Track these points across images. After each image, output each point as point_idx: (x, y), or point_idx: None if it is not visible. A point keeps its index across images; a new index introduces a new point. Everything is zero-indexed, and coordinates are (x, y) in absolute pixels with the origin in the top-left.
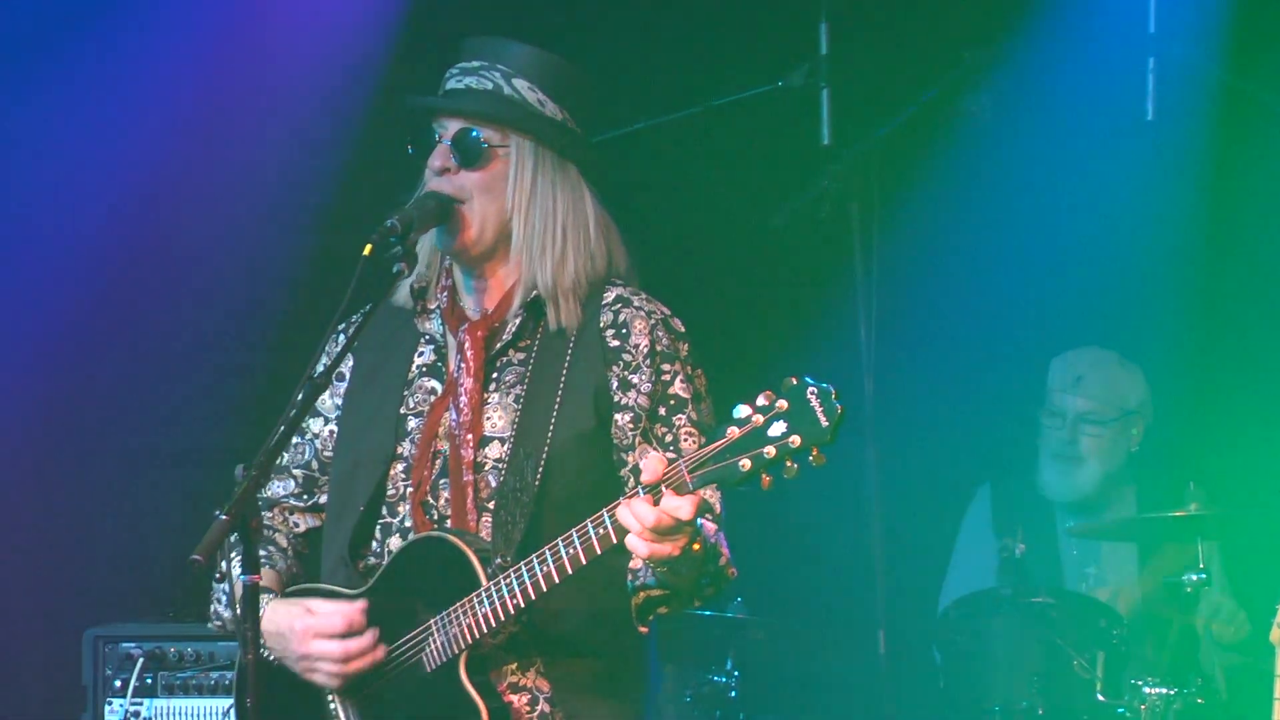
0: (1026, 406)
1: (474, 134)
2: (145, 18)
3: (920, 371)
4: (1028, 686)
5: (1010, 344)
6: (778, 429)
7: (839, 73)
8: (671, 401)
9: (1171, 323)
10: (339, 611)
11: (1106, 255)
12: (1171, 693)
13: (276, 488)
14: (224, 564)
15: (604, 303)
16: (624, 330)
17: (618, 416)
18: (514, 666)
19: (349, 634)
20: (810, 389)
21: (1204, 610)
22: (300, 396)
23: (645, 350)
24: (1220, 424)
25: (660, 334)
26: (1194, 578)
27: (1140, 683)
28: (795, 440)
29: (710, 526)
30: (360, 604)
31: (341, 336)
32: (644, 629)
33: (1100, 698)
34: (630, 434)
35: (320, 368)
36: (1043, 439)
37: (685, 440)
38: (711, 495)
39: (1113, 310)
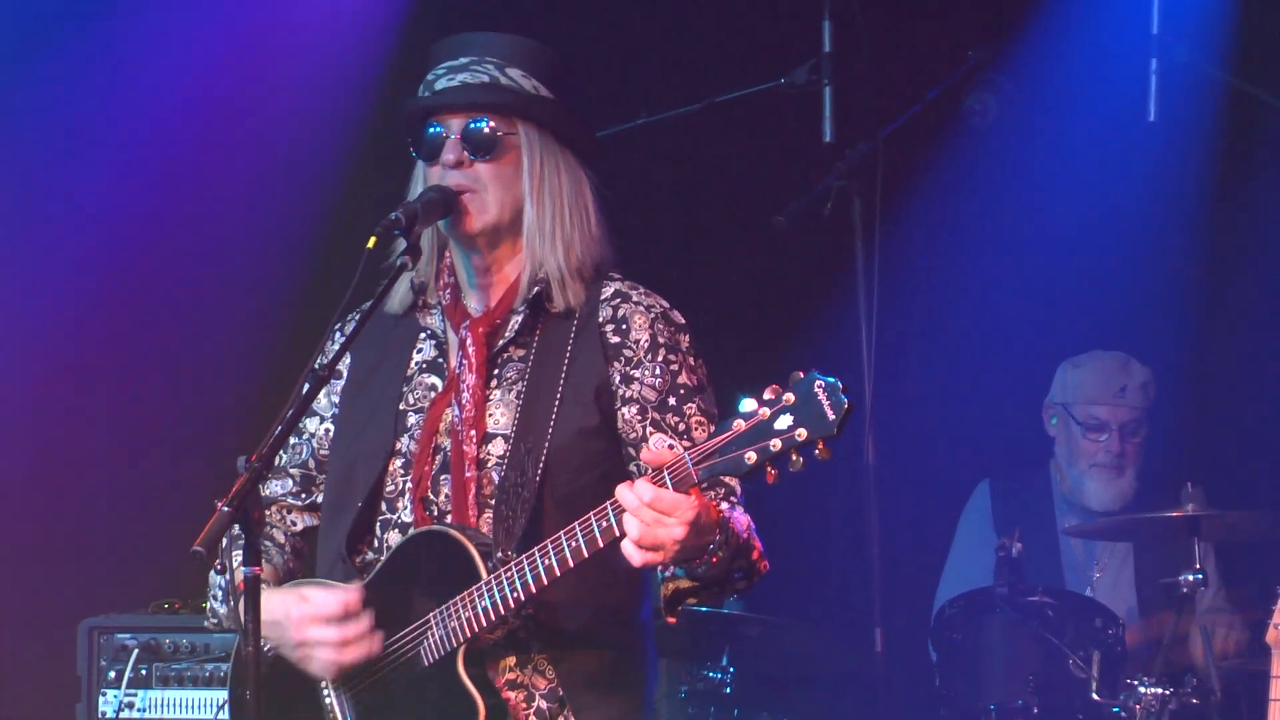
0: (1026, 405)
1: (483, 125)
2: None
3: (920, 369)
4: (1023, 685)
5: (1011, 343)
6: (784, 422)
7: (842, 70)
8: (681, 391)
9: (1172, 323)
10: (335, 597)
11: (1108, 255)
12: (1167, 692)
13: (274, 486)
14: (225, 556)
15: (603, 298)
16: (624, 325)
17: (623, 410)
18: (512, 662)
19: (345, 618)
20: (818, 383)
21: (1200, 611)
22: (304, 390)
23: (647, 344)
24: (1219, 425)
25: (661, 327)
26: (1190, 578)
27: (1136, 682)
28: (801, 434)
29: (743, 520)
30: (356, 588)
31: (340, 332)
32: (672, 619)
33: (1095, 697)
34: (639, 426)
35: (322, 363)
36: (1073, 448)
37: (696, 429)
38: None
39: (1113, 310)
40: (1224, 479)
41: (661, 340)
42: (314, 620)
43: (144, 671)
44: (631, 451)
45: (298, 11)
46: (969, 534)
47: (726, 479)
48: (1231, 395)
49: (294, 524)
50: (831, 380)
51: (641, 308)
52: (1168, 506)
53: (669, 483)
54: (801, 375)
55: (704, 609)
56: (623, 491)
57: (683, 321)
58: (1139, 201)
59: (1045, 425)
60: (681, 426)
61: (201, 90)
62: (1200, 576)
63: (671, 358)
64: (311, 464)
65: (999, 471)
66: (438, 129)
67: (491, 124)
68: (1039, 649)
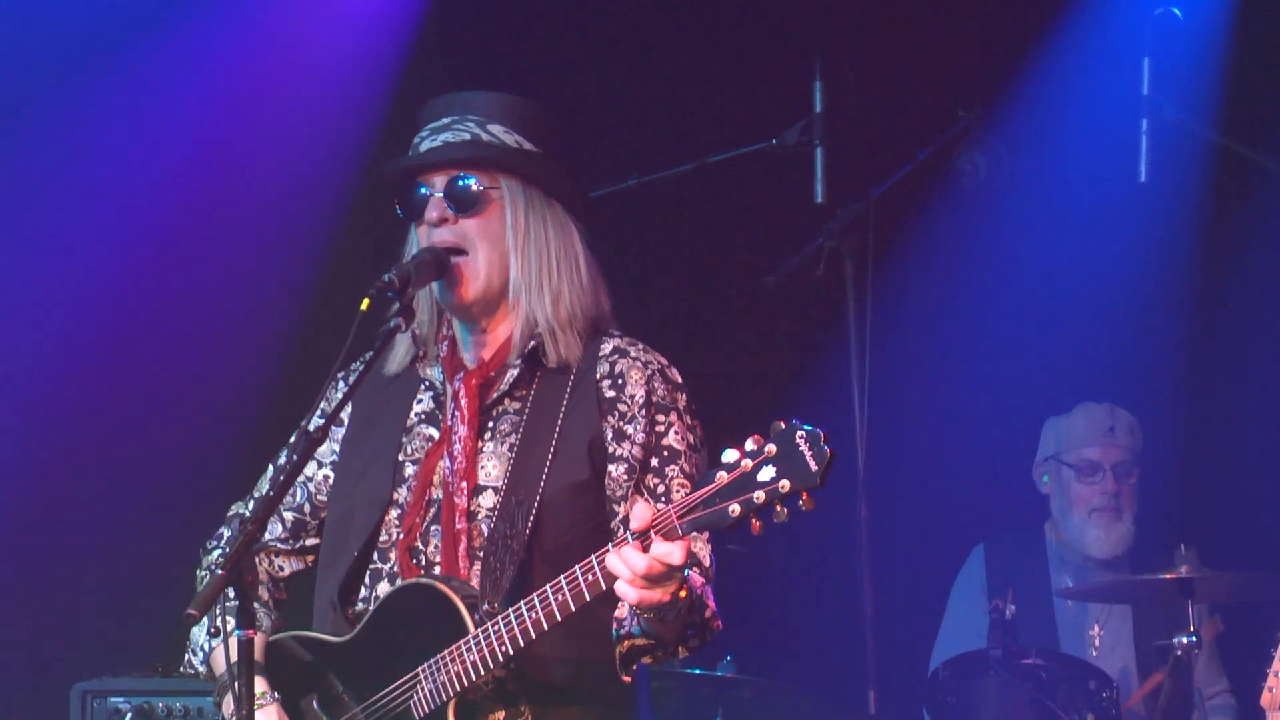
0: (1020, 465)
1: (466, 180)
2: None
3: (913, 429)
4: None
5: (1004, 403)
6: (767, 474)
7: (833, 131)
8: (665, 453)
9: (1164, 383)
10: None
11: (1100, 315)
12: None
13: (265, 530)
14: (220, 619)
15: (601, 354)
16: (620, 380)
17: (611, 468)
18: (501, 716)
19: None
20: (799, 433)
21: (1195, 672)
22: (300, 449)
23: (641, 400)
24: (1212, 485)
25: (657, 384)
26: (1184, 640)
27: None
28: (785, 485)
29: (697, 579)
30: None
31: (341, 384)
32: (627, 678)
33: None
34: (624, 485)
35: (317, 420)
36: (1069, 497)
37: (677, 492)
38: (701, 549)
39: (1105, 370)
40: (1218, 540)
41: (656, 398)
42: None
43: None
44: (615, 509)
45: (299, 65)
46: (963, 597)
47: (695, 549)
48: (1225, 455)
49: (280, 569)
50: (813, 429)
51: (639, 364)
52: (1162, 568)
53: (655, 541)
54: (783, 425)
55: (698, 671)
56: (614, 562)
57: (680, 380)
58: (1130, 261)
59: (1037, 485)
60: (661, 489)
61: (200, 146)
62: (1195, 639)
63: (660, 418)
64: (306, 508)
65: (993, 534)
66: (423, 189)
67: (474, 180)
68: (1033, 712)
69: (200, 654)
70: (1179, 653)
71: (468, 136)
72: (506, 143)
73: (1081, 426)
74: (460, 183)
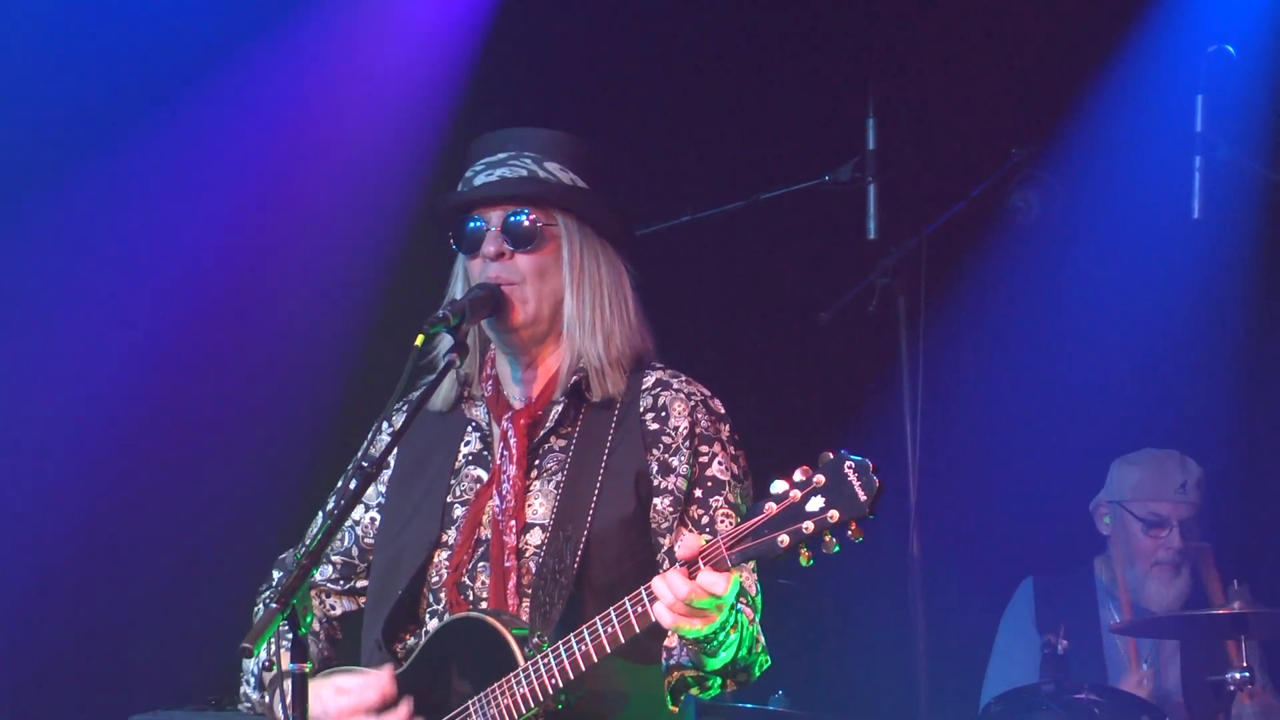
0: (1070, 501)
1: (523, 217)
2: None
3: (965, 466)
4: None
5: (1055, 439)
6: (815, 504)
7: (886, 168)
8: (709, 484)
9: (1216, 420)
10: (370, 685)
11: (1153, 352)
12: None
13: (316, 572)
14: (274, 652)
15: (644, 387)
16: (664, 413)
17: (657, 501)
18: None
19: (384, 706)
20: (848, 463)
21: (1248, 709)
22: (353, 485)
23: (685, 432)
24: (1265, 521)
25: (700, 416)
26: (1236, 676)
27: None
28: (834, 515)
29: (749, 613)
30: (388, 670)
31: (387, 426)
32: (674, 708)
33: None
34: (670, 517)
35: (371, 458)
36: (1133, 547)
37: (721, 522)
38: (747, 578)
39: (1158, 407)
40: (1270, 576)
41: (699, 430)
42: (354, 712)
43: None
44: (660, 541)
45: (348, 106)
46: (1012, 632)
47: (742, 579)
48: (1277, 492)
49: (332, 608)
50: (862, 460)
51: (682, 395)
52: (1215, 604)
53: (704, 569)
54: (831, 456)
55: (749, 705)
56: (659, 585)
57: (723, 411)
58: (1183, 298)
59: (1097, 524)
60: (705, 520)
61: (253, 182)
62: (1246, 674)
63: (704, 449)
64: (355, 552)
65: (1042, 568)
66: (478, 223)
67: (531, 216)
68: None
69: (253, 682)
70: (1231, 688)
71: (525, 173)
72: (562, 180)
73: (1153, 478)
74: (517, 219)
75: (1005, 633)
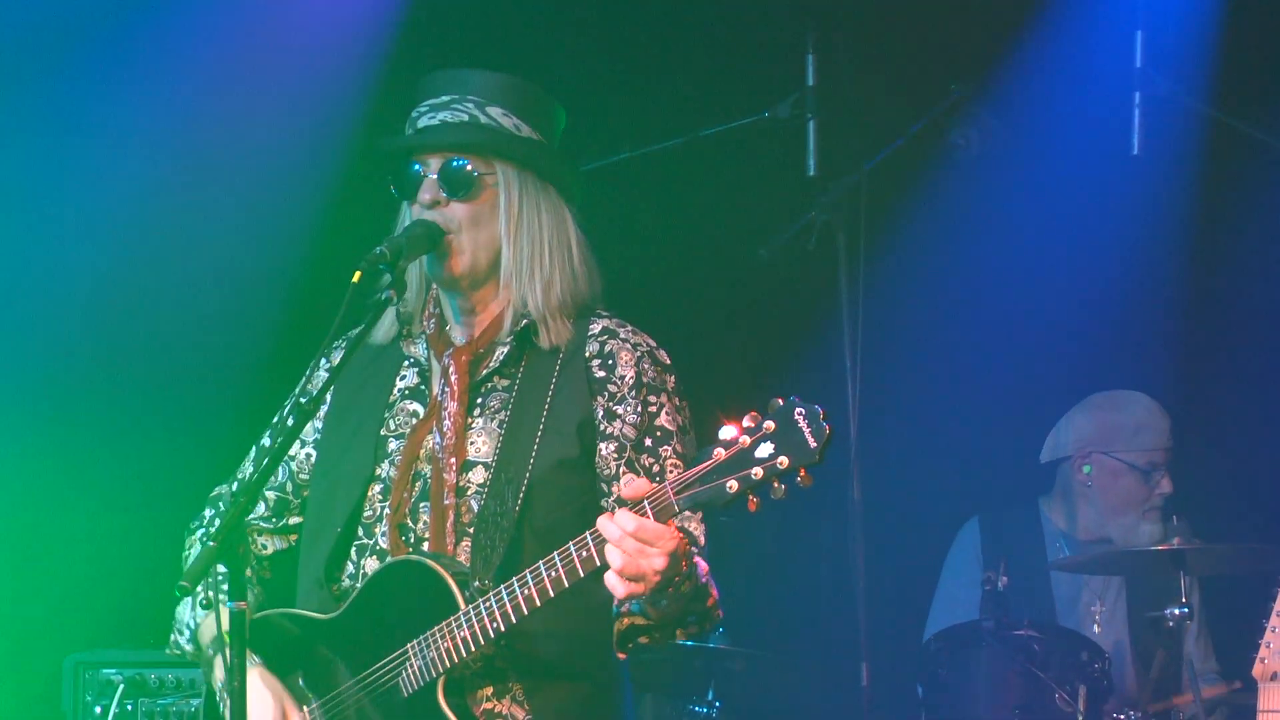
0: (1012, 439)
1: (461, 165)
2: (143, 35)
3: (906, 403)
4: (1010, 719)
5: (997, 377)
6: (765, 450)
7: (826, 104)
8: (658, 433)
9: (1155, 355)
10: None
11: (1092, 288)
12: None
13: None
14: (212, 590)
15: (590, 333)
16: (610, 361)
17: (602, 446)
18: (490, 692)
19: None
20: (798, 410)
21: (1187, 644)
22: (290, 423)
23: (631, 381)
24: (1204, 456)
25: (646, 365)
26: (1176, 612)
27: (1122, 716)
28: (783, 461)
29: (703, 566)
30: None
31: (325, 363)
32: (622, 655)
33: None
34: (614, 464)
35: (308, 394)
36: (1125, 496)
37: (671, 472)
38: (696, 527)
39: (1097, 342)
40: (1209, 512)
41: (646, 379)
42: None
43: (129, 707)
44: (605, 488)
45: (287, 35)
46: (957, 570)
47: (690, 528)
48: (1216, 426)
49: (264, 548)
50: (812, 406)
51: (628, 345)
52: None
53: (650, 513)
54: (781, 402)
55: (689, 644)
56: (604, 523)
57: (669, 362)
58: (1123, 234)
59: (1073, 474)
60: (655, 468)
61: (189, 110)
62: (1186, 610)
63: (652, 398)
64: (289, 487)
65: (987, 507)
66: (417, 167)
67: (469, 164)
68: (1025, 683)
69: (186, 632)
70: (1170, 624)
71: (466, 118)
72: (505, 126)
73: (1149, 426)
74: (456, 166)
75: (949, 572)
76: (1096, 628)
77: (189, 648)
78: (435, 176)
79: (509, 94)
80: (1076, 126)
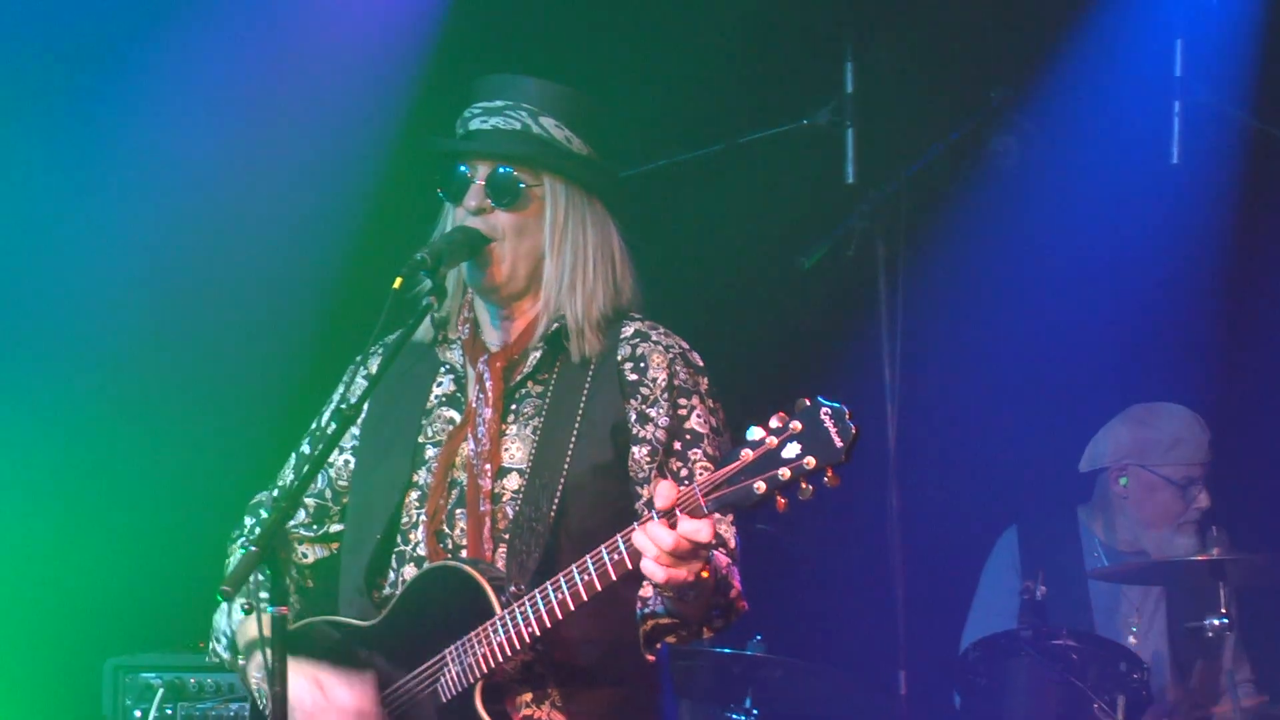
0: (1052, 448)
1: (509, 174)
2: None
3: (945, 411)
4: None
5: (1036, 384)
6: (792, 450)
7: (864, 112)
8: (687, 436)
9: (1195, 365)
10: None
11: (1131, 297)
12: None
13: None
14: (253, 596)
15: (623, 336)
16: (642, 364)
17: (635, 450)
18: (529, 698)
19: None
20: (824, 410)
21: (1226, 654)
22: (331, 428)
23: (663, 384)
24: (1244, 468)
25: (679, 368)
26: (1216, 622)
27: None
28: (810, 462)
29: (723, 559)
30: (372, 684)
31: (363, 369)
32: (650, 657)
33: None
34: (647, 467)
35: (348, 401)
36: (1160, 509)
37: (700, 474)
38: (727, 530)
39: (1136, 352)
40: (1249, 523)
41: (678, 381)
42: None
43: (169, 711)
44: (638, 491)
45: (328, 38)
46: (995, 579)
47: (721, 530)
48: (1257, 438)
49: (304, 556)
50: (838, 406)
51: (660, 347)
52: (1193, 550)
53: (681, 520)
54: (807, 402)
55: (727, 651)
56: (640, 539)
57: (701, 364)
58: (1162, 243)
59: (1110, 485)
60: (684, 472)
61: (230, 115)
62: (1226, 621)
63: (683, 401)
64: (328, 494)
65: (1025, 515)
66: (464, 170)
67: (517, 174)
68: (1063, 693)
69: (224, 639)
70: (1210, 634)
71: (518, 126)
72: (556, 138)
73: (1187, 440)
74: (502, 173)
75: (987, 579)
76: (1133, 638)
77: (227, 655)
78: (482, 183)
79: (563, 105)
80: (1116, 135)
